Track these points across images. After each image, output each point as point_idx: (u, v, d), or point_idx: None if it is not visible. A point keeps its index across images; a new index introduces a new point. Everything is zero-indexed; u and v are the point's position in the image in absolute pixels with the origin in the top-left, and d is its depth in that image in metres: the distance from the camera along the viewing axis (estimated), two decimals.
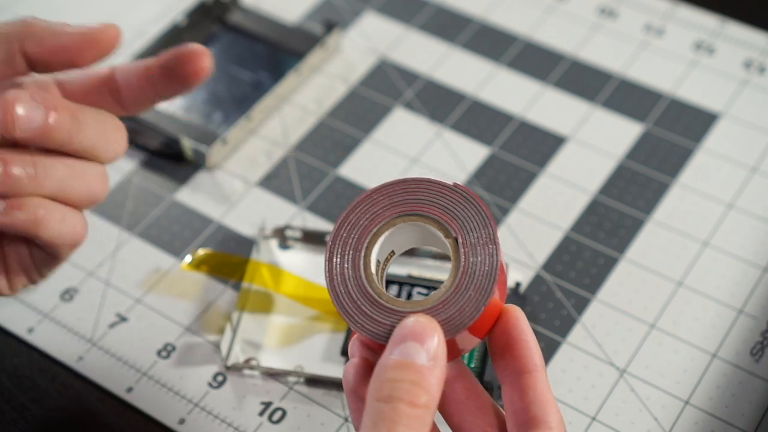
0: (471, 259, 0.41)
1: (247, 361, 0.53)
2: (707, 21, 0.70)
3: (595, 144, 0.63)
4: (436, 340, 0.39)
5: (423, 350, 0.38)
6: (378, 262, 0.43)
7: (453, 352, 0.40)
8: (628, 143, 0.63)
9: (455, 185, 0.42)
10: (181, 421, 0.52)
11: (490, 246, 0.41)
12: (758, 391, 0.52)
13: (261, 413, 0.52)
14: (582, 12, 0.71)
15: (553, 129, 0.64)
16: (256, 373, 0.53)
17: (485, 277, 0.41)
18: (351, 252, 0.42)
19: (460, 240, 0.41)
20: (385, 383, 0.37)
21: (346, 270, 0.42)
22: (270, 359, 0.53)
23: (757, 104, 0.65)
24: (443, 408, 0.42)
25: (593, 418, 0.51)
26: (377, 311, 0.41)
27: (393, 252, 0.44)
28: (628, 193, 0.61)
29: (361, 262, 0.42)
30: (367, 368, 0.40)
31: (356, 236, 0.42)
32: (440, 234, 0.42)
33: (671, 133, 0.64)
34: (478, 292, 0.40)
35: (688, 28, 0.69)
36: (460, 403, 0.42)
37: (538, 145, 0.63)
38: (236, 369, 0.53)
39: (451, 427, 0.42)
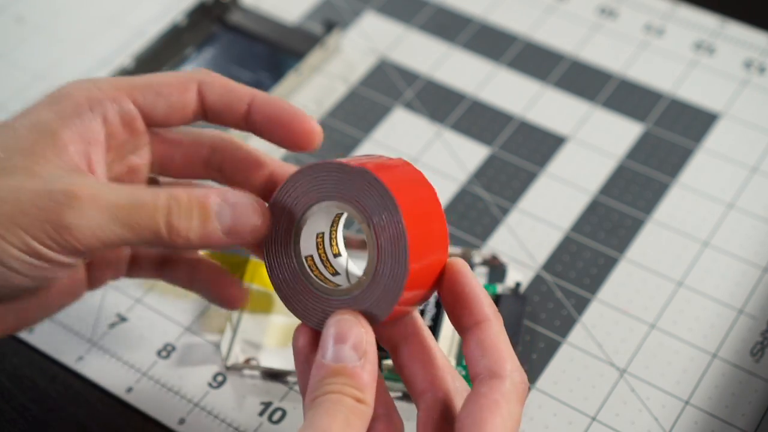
0: (382, 239, 0.41)
1: (247, 361, 0.53)
2: (707, 21, 0.70)
3: (595, 144, 0.63)
4: (361, 334, 0.40)
5: (350, 349, 0.39)
6: (317, 242, 0.43)
7: (399, 316, 0.42)
8: (629, 143, 0.63)
9: (350, 167, 0.41)
10: (181, 421, 0.52)
11: (396, 221, 0.40)
12: (758, 391, 0.52)
13: (261, 413, 0.52)
14: (582, 12, 0.71)
15: (553, 129, 0.64)
16: (256, 373, 0.53)
17: (399, 251, 0.40)
18: (283, 244, 0.43)
19: (373, 221, 0.41)
20: (320, 387, 0.39)
21: (282, 257, 0.43)
22: (270, 359, 0.53)
23: (758, 104, 0.65)
24: (396, 367, 0.43)
25: (593, 418, 0.51)
26: (310, 298, 0.42)
27: (323, 233, 0.44)
28: (628, 193, 0.61)
29: (292, 250, 0.42)
30: (316, 337, 0.42)
31: (285, 222, 0.43)
32: (358, 217, 0.41)
33: (671, 133, 0.64)
34: (396, 269, 0.40)
35: (688, 28, 0.69)
36: (408, 363, 0.43)
37: (538, 145, 0.63)
38: (236, 369, 0.53)
39: (404, 381, 0.43)
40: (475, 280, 0.42)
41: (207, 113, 0.46)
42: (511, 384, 0.40)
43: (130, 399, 0.53)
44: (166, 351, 0.55)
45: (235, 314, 0.55)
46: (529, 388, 0.52)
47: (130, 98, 0.44)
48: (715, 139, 0.63)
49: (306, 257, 0.43)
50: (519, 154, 0.63)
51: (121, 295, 0.57)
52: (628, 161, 0.62)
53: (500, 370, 0.40)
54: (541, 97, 0.66)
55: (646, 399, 0.52)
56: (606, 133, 0.64)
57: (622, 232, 0.59)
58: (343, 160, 0.42)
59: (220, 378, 0.53)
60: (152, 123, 0.45)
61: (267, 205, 0.43)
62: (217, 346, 0.54)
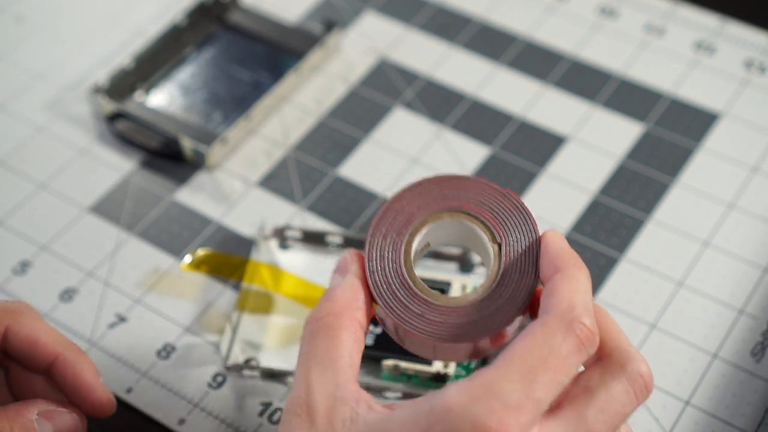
0: (510, 270, 0.41)
1: (247, 361, 0.53)
2: (708, 21, 0.70)
3: (595, 144, 0.63)
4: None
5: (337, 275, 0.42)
6: (415, 251, 0.43)
7: (474, 353, 0.42)
8: (629, 143, 0.63)
9: (508, 192, 0.43)
10: (181, 422, 0.52)
11: (530, 264, 0.41)
12: (758, 391, 0.52)
13: (261, 413, 0.52)
14: (582, 12, 0.71)
15: (553, 129, 0.64)
16: (256, 373, 0.53)
17: (520, 293, 0.41)
18: (394, 235, 0.42)
19: (503, 248, 0.42)
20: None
21: (386, 252, 0.42)
22: (270, 359, 0.53)
23: (758, 104, 0.65)
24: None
25: None
26: (410, 298, 0.41)
27: (429, 243, 0.44)
28: (628, 193, 0.61)
29: (403, 247, 0.42)
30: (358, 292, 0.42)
31: (402, 222, 0.43)
32: (484, 236, 0.42)
33: (672, 133, 0.64)
34: (508, 307, 0.41)
35: (688, 28, 0.69)
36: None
37: (538, 145, 0.63)
38: (236, 369, 0.53)
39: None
40: (560, 238, 0.42)
41: (7, 356, 0.47)
42: (556, 318, 0.38)
43: (130, 399, 0.53)
44: (166, 351, 0.55)
45: (235, 314, 0.55)
46: None
47: None
48: (715, 139, 0.63)
49: (414, 259, 0.43)
50: (519, 154, 0.63)
51: (121, 295, 0.57)
52: (629, 161, 0.62)
53: (550, 307, 0.39)
54: (541, 97, 0.66)
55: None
56: (606, 133, 0.64)
57: (622, 232, 0.59)
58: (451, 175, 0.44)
59: (220, 378, 0.53)
60: None
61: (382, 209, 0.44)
62: (217, 346, 0.54)
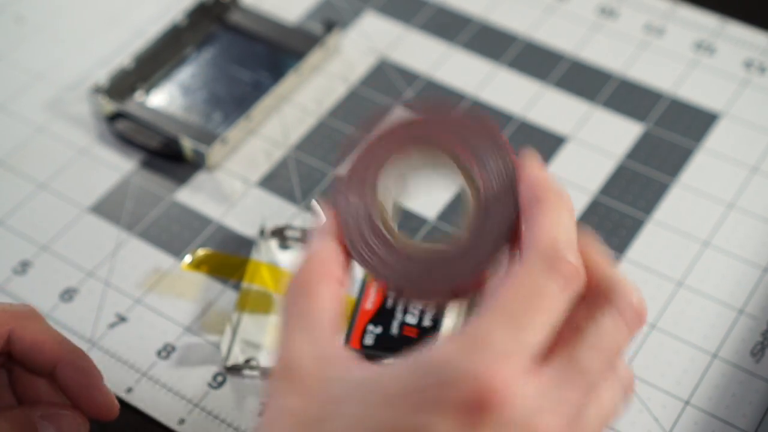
0: (492, 184, 0.39)
1: (247, 361, 0.53)
2: (707, 21, 0.70)
3: (595, 144, 0.63)
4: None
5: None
6: (388, 197, 0.40)
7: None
8: (629, 143, 0.63)
9: (480, 118, 0.40)
10: (181, 422, 0.52)
11: (509, 195, 0.38)
12: (759, 391, 0.52)
13: (261, 413, 0.52)
14: (582, 12, 0.71)
15: (553, 129, 0.64)
16: (256, 373, 0.53)
17: (502, 227, 0.38)
18: (360, 183, 0.40)
19: (477, 180, 0.39)
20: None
21: (355, 203, 0.40)
22: (270, 359, 0.53)
23: (758, 104, 0.65)
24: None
25: None
26: (387, 249, 0.39)
27: (403, 182, 0.41)
28: (628, 193, 0.61)
29: (370, 192, 0.40)
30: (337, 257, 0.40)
31: (369, 168, 0.40)
32: (458, 164, 0.39)
33: (671, 133, 0.64)
34: (504, 211, 0.38)
35: (688, 28, 0.69)
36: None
37: (538, 145, 0.63)
38: (236, 369, 0.53)
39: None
40: (538, 166, 0.39)
41: (11, 359, 0.47)
42: (539, 257, 0.36)
43: (130, 399, 0.53)
44: (166, 351, 0.55)
45: (235, 314, 0.55)
46: None
47: None
48: (715, 139, 0.63)
49: (381, 207, 0.40)
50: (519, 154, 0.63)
51: (121, 295, 0.57)
52: (629, 161, 0.62)
53: (532, 245, 0.37)
54: (541, 97, 0.66)
55: (646, 399, 0.52)
56: (606, 133, 0.64)
57: (622, 232, 0.59)
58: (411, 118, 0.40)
59: (220, 378, 0.53)
60: None
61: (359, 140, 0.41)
62: (217, 346, 0.54)
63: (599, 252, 0.39)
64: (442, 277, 0.39)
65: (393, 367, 0.36)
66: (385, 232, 0.39)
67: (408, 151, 0.40)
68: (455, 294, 0.39)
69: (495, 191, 0.39)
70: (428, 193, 0.53)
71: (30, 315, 0.46)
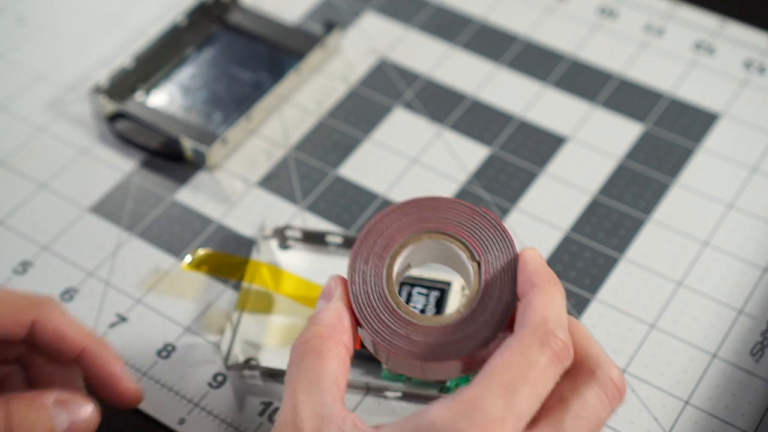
0: (491, 288, 0.42)
1: (248, 361, 0.53)
2: (707, 21, 0.70)
3: (595, 144, 0.63)
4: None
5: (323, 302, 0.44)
6: (397, 273, 0.44)
7: (462, 370, 0.42)
8: (628, 143, 0.63)
9: (485, 210, 0.44)
10: (181, 421, 0.52)
11: (509, 281, 0.42)
12: (758, 391, 0.52)
13: (261, 413, 0.52)
14: (582, 12, 0.71)
15: (553, 129, 0.64)
16: (256, 373, 0.53)
17: (500, 310, 0.42)
18: (375, 260, 0.44)
19: (482, 266, 0.43)
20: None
21: (368, 276, 0.43)
22: (270, 359, 0.53)
23: (757, 104, 0.65)
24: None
25: None
26: (394, 320, 0.42)
27: (410, 265, 0.45)
28: (628, 193, 0.61)
29: (384, 271, 0.43)
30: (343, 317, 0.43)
31: (382, 245, 0.44)
32: (464, 255, 0.43)
33: (671, 133, 0.64)
34: (490, 323, 0.42)
35: (688, 28, 0.69)
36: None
37: (538, 145, 0.63)
38: (236, 369, 0.53)
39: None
40: (536, 255, 0.43)
41: (34, 347, 0.47)
42: (532, 332, 0.39)
43: None
44: (166, 351, 0.55)
45: (235, 314, 0.55)
46: None
47: None
48: (715, 139, 0.63)
49: (396, 280, 0.44)
50: (519, 154, 0.63)
51: (121, 294, 0.57)
52: (628, 161, 0.62)
53: (526, 322, 0.40)
54: (541, 97, 0.66)
55: (646, 399, 0.52)
56: (606, 133, 0.64)
57: (621, 232, 0.59)
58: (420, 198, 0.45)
59: (220, 378, 0.53)
60: None
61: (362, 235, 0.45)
62: (217, 346, 0.54)
63: (584, 329, 0.43)
64: (447, 349, 0.42)
65: (390, 428, 0.39)
66: (393, 302, 0.43)
67: (418, 229, 0.44)
68: (461, 369, 0.42)
69: (496, 276, 0.43)
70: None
71: (52, 304, 0.47)
